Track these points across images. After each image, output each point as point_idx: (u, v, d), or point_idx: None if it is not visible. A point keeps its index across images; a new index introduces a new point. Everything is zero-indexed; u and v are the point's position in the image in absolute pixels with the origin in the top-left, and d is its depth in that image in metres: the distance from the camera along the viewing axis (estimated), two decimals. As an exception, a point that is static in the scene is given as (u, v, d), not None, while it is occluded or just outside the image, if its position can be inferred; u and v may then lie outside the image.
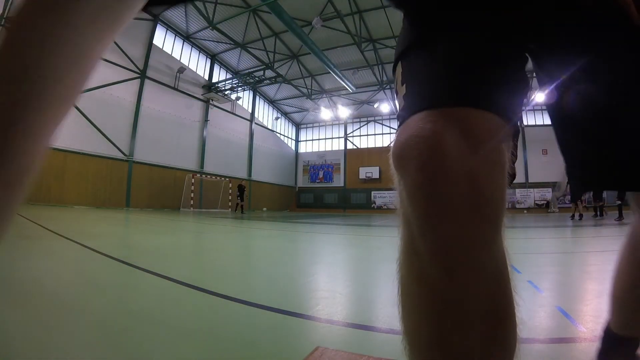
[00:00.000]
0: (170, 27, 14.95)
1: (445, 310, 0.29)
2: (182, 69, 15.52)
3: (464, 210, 0.26)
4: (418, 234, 0.28)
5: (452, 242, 0.27)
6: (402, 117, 0.33)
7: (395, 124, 22.87)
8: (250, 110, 20.68)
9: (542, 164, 17.22)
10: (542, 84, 0.50)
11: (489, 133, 0.28)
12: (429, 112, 0.28)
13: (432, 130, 0.27)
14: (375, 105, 20.78)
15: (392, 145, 0.30)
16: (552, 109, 0.49)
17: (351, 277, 2.03)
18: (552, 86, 0.49)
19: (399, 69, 0.39)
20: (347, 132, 24.43)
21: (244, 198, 14.62)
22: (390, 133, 23.06)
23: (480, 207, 0.27)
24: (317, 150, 25.67)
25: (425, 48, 0.36)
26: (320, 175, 24.99)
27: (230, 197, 17.38)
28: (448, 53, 0.33)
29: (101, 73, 12.27)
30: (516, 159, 0.41)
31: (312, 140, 26.03)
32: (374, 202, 22.53)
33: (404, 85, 0.35)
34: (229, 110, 18.83)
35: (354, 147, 24.16)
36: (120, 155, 12.96)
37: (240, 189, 14.35)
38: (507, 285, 0.31)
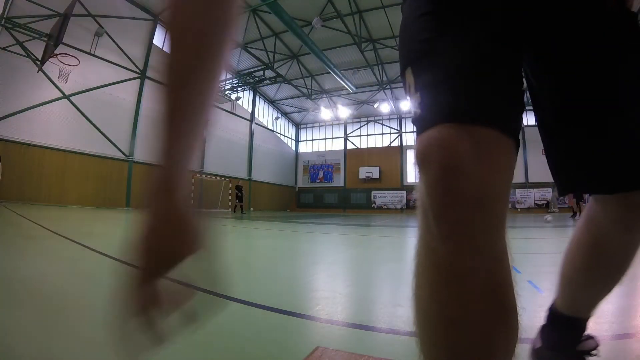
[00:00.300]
0: (170, 27, 14.94)
1: (450, 282, 0.35)
2: (182, 69, 15.51)
3: (471, 204, 0.33)
4: (433, 220, 0.34)
5: (460, 227, 0.33)
6: (421, 123, 0.37)
7: (395, 124, 22.88)
8: (250, 110, 20.68)
9: (542, 164, 17.02)
10: (529, 88, 0.52)
11: (493, 144, 0.35)
12: (445, 125, 0.34)
13: (449, 141, 0.33)
14: (375, 105, 20.77)
15: (415, 147, 0.36)
16: (535, 114, 0.54)
17: (351, 277, 2.03)
18: (536, 91, 0.52)
19: (410, 75, 0.41)
20: (347, 132, 24.42)
21: (243, 198, 14.60)
22: (390, 133, 23.05)
23: (485, 202, 0.33)
24: (317, 150, 25.67)
25: (435, 58, 0.39)
26: (320, 175, 24.99)
27: (230, 198, 17.38)
28: (456, 66, 0.38)
29: (101, 73, 12.29)
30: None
31: (312, 140, 26.02)
32: (374, 202, 22.52)
33: (418, 93, 0.39)
34: (229, 110, 18.83)
35: (354, 147, 24.15)
36: (120, 155, 12.97)
37: (239, 189, 14.34)
38: (507, 272, 0.36)
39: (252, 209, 20.05)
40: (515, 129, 0.38)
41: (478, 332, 0.35)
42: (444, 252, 0.34)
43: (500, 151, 0.35)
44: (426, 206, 0.35)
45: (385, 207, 22.07)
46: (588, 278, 0.62)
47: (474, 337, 0.35)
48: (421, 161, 0.35)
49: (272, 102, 22.85)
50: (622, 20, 0.47)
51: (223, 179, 17.49)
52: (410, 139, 22.38)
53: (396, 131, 22.84)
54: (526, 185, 18.10)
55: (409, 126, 22.48)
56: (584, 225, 0.62)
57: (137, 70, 13.64)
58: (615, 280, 0.60)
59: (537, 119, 0.55)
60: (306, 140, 26.29)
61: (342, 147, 24.51)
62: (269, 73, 16.44)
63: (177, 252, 0.36)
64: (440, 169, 0.33)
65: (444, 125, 0.34)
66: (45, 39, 9.16)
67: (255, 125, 20.94)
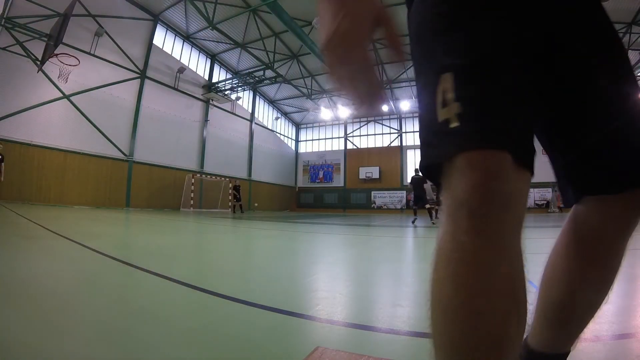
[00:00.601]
0: (170, 27, 14.94)
1: (476, 274, 0.38)
2: (182, 69, 15.52)
3: (505, 205, 0.38)
4: (467, 215, 0.37)
5: (492, 224, 0.37)
6: (463, 138, 0.39)
7: (395, 124, 22.86)
8: (250, 110, 20.68)
9: (542, 164, 16.67)
10: None
11: (521, 168, 0.40)
12: (492, 151, 0.38)
13: (493, 159, 0.38)
14: (375, 105, 20.73)
15: (463, 156, 0.38)
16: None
17: (351, 277, 2.03)
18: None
19: (450, 81, 0.40)
20: (347, 132, 24.43)
21: (241, 198, 14.57)
22: (390, 133, 23.06)
23: (513, 205, 0.39)
24: (317, 150, 25.68)
25: (487, 74, 0.40)
26: (320, 175, 24.99)
27: (230, 198, 17.40)
28: (505, 91, 0.40)
29: (101, 73, 12.29)
30: None
31: (312, 140, 26.03)
32: (374, 202, 22.53)
33: (459, 103, 0.39)
34: (229, 110, 18.83)
35: (354, 147, 24.16)
36: (120, 155, 12.97)
37: (237, 189, 14.33)
38: (522, 268, 0.41)
39: (256, 204, 20.13)
40: (532, 160, 0.43)
41: (497, 323, 0.37)
42: (472, 246, 0.38)
43: (525, 170, 0.41)
44: (461, 203, 0.38)
45: (385, 207, 22.07)
46: (579, 302, 0.58)
47: (493, 328, 0.37)
48: (467, 167, 0.38)
49: (272, 102, 22.85)
50: (608, 21, 0.52)
51: (223, 179, 17.49)
52: (410, 138, 22.40)
53: (396, 131, 22.84)
54: (526, 185, 18.07)
55: (409, 126, 22.49)
56: (573, 236, 0.59)
57: (137, 70, 13.64)
58: (607, 288, 0.57)
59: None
60: (306, 140, 26.29)
61: (342, 147, 24.52)
62: (269, 73, 16.44)
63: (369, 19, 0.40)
64: (485, 175, 0.37)
65: (490, 150, 0.38)
66: (45, 39, 9.16)
67: (255, 125, 20.94)
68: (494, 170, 0.37)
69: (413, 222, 7.63)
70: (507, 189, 0.37)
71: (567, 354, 0.63)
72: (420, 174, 8.41)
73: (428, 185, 7.97)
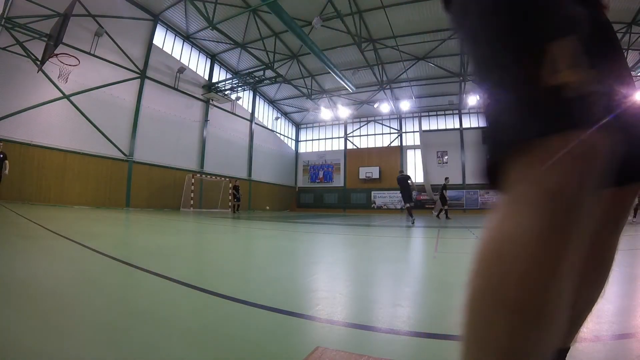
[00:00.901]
0: (170, 27, 14.94)
1: (555, 272, 0.34)
2: (182, 69, 15.51)
3: (593, 200, 0.35)
4: (557, 209, 0.34)
5: (580, 220, 0.34)
6: (577, 114, 0.33)
7: (395, 124, 22.85)
8: (250, 110, 20.68)
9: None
10: None
11: None
12: (605, 134, 0.34)
13: (603, 145, 0.34)
14: (375, 105, 20.76)
15: (569, 129, 0.33)
16: None
17: (351, 277, 2.03)
18: None
19: (563, 46, 0.34)
20: (347, 132, 24.42)
21: (240, 198, 14.56)
22: (390, 133, 23.04)
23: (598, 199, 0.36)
24: (317, 150, 25.67)
25: (605, 43, 0.40)
26: (320, 175, 24.98)
27: (230, 198, 17.41)
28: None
29: (101, 73, 12.29)
30: None
31: (312, 140, 26.02)
32: (374, 202, 22.52)
33: (582, 72, 0.33)
34: (229, 110, 18.83)
35: (354, 147, 24.15)
36: (120, 155, 12.96)
37: (236, 189, 14.33)
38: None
39: (267, 207, 20.22)
40: None
41: (560, 326, 0.35)
42: (555, 242, 0.35)
43: None
44: (550, 191, 0.35)
45: (385, 207, 22.06)
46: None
47: (556, 331, 0.35)
48: (570, 148, 0.33)
49: (272, 102, 22.85)
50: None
51: (223, 179, 17.49)
52: (410, 138, 22.39)
53: (396, 131, 22.84)
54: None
55: (409, 126, 22.48)
56: None
57: (137, 70, 13.64)
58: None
59: None
60: (306, 140, 26.28)
61: (342, 147, 24.51)
62: (269, 73, 16.43)
63: None
64: (591, 162, 0.33)
65: (604, 132, 0.34)
66: (45, 39, 9.16)
67: (255, 125, 20.93)
68: (601, 155, 0.32)
69: (412, 223, 7.62)
70: (601, 180, 0.33)
71: (567, 350, 0.64)
72: (403, 173, 8.56)
73: (412, 183, 8.15)
